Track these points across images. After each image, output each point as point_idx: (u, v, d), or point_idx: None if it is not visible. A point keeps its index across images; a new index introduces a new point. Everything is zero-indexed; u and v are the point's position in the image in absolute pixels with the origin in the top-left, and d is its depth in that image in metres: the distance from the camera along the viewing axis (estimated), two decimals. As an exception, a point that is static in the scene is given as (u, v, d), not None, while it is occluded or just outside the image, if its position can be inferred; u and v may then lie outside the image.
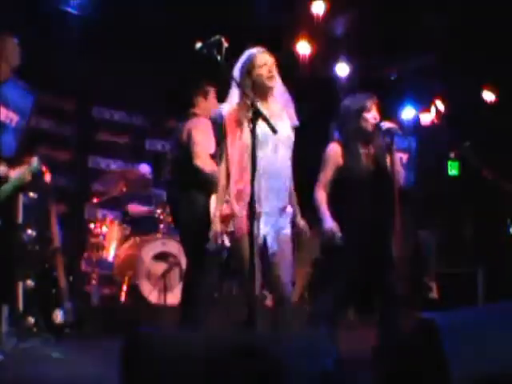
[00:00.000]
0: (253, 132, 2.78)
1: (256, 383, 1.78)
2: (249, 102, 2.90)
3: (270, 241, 3.09)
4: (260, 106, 3.02)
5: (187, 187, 3.99)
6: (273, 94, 3.21)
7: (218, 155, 3.31)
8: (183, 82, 4.26)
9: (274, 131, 2.82)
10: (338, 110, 3.72)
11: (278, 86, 3.23)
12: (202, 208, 3.88)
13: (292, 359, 1.90)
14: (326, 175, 3.56)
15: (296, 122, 3.27)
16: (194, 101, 4.22)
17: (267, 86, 3.15)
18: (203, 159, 3.86)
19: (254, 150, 2.77)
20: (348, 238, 3.59)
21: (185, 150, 3.95)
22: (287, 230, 3.21)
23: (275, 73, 3.17)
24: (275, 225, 3.13)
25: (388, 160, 3.57)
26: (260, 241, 3.02)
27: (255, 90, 3.13)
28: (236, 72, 3.17)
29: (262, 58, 3.15)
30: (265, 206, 3.04)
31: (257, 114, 2.80)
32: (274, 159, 3.10)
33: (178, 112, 4.53)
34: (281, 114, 3.19)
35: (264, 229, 3.06)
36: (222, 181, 3.14)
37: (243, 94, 3.06)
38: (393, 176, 3.46)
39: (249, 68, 3.14)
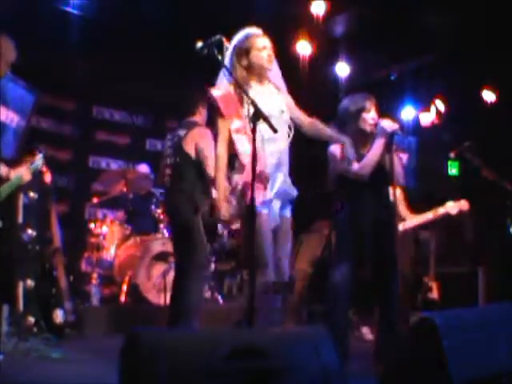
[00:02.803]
0: (253, 132, 2.77)
1: (256, 383, 1.78)
2: (249, 102, 2.89)
3: (277, 217, 3.09)
4: (255, 85, 3.09)
5: (189, 192, 4.05)
6: (268, 77, 3.21)
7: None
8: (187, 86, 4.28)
9: (275, 131, 2.81)
10: (338, 110, 3.73)
11: (274, 70, 3.25)
12: (205, 213, 4.02)
13: (292, 358, 1.90)
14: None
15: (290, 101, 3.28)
16: (194, 108, 4.25)
17: (266, 67, 3.17)
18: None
19: (254, 150, 2.76)
20: (349, 239, 3.59)
21: (187, 158, 4.03)
22: (289, 212, 3.20)
23: (273, 57, 3.19)
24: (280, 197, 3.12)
25: (387, 160, 3.58)
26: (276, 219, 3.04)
27: (252, 70, 3.14)
28: (231, 50, 3.16)
29: (262, 41, 3.17)
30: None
31: (257, 114, 2.79)
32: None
33: (179, 112, 4.57)
34: (276, 91, 3.20)
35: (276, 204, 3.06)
36: (221, 162, 3.10)
37: (241, 91, 3.02)
38: (392, 175, 3.46)
39: (247, 48, 3.14)
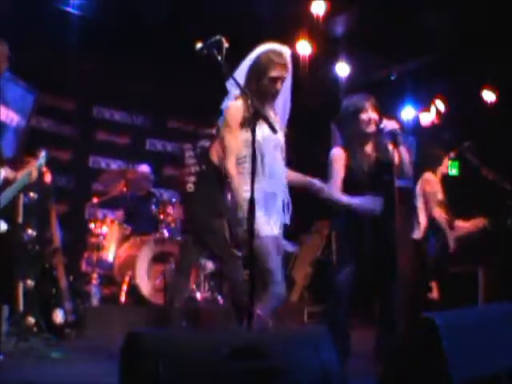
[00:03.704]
0: (253, 132, 2.77)
1: (256, 383, 1.78)
2: (249, 102, 2.88)
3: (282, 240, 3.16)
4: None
5: (213, 198, 4.42)
6: (270, 104, 3.21)
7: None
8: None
9: (275, 131, 2.82)
10: (338, 111, 3.73)
11: (282, 94, 3.21)
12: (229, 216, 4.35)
13: (292, 358, 1.90)
14: (339, 176, 3.55)
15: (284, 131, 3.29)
16: (214, 121, 4.49)
17: (268, 100, 3.16)
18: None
19: (254, 150, 2.76)
20: (349, 239, 3.59)
21: (212, 166, 4.46)
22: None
23: (280, 88, 3.15)
24: (281, 224, 3.16)
25: (396, 156, 3.55)
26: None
27: (257, 94, 3.09)
28: (247, 62, 3.15)
29: (280, 71, 3.10)
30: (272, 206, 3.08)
31: (257, 115, 2.79)
32: (277, 159, 3.13)
33: (178, 112, 4.72)
34: (274, 119, 3.20)
35: (275, 228, 3.09)
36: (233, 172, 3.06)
37: (243, 94, 3.01)
38: (397, 173, 3.46)
39: (262, 70, 3.09)
